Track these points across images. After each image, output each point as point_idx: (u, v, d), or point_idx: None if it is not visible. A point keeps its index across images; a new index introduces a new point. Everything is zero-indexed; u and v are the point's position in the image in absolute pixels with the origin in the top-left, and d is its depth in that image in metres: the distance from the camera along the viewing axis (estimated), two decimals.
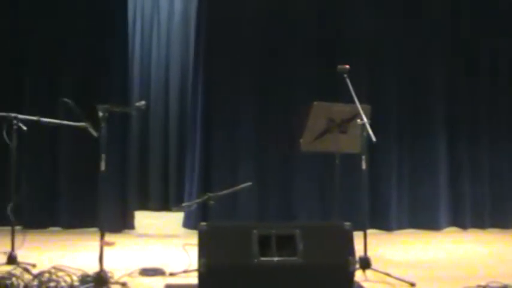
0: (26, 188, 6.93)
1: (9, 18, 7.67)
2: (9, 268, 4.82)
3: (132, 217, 7.68)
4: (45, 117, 5.48)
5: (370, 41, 7.78)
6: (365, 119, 4.95)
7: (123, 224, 7.54)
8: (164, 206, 9.63)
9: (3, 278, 4.33)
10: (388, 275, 4.91)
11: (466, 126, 7.95)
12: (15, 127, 5.19)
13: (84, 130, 5.20)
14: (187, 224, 7.59)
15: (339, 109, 5.39)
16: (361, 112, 4.99)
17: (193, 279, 4.49)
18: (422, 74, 7.87)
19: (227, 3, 7.76)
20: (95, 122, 4.94)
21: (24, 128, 5.26)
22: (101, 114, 4.66)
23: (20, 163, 5.55)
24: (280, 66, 7.71)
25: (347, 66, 5.29)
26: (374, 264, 5.06)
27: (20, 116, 5.25)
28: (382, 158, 7.60)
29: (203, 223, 4.30)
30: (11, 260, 5.10)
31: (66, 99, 4.94)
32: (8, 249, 5.17)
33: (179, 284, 4.82)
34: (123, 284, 4.62)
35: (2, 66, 7.63)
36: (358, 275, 4.80)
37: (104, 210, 5.08)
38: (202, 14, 7.83)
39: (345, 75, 5.26)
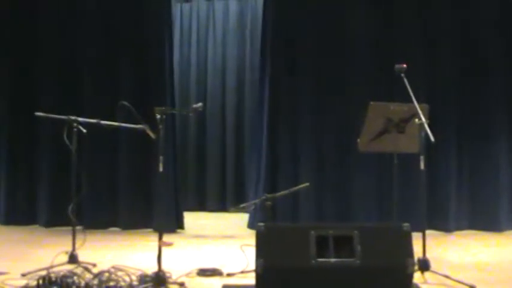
0: (86, 189, 7.07)
1: (69, 26, 7.95)
2: (70, 267, 4.91)
3: (182, 217, 7.73)
4: (104, 119, 5.58)
5: (427, 40, 7.68)
6: (423, 119, 4.87)
7: (176, 224, 7.60)
8: (221, 206, 9.70)
9: (64, 276, 4.41)
10: (447, 277, 4.82)
11: None
12: (75, 130, 5.29)
13: (142, 132, 5.26)
14: (253, 225, 7.60)
15: (396, 109, 5.32)
16: (419, 111, 4.91)
17: (251, 279, 4.50)
18: (482, 73, 7.69)
19: (290, 5, 7.81)
20: (153, 124, 5.01)
21: (84, 130, 5.35)
22: (158, 116, 4.71)
23: (80, 165, 5.65)
24: (338, 66, 7.73)
25: (404, 65, 5.23)
26: (433, 266, 4.98)
27: (80, 119, 5.34)
28: (441, 158, 7.50)
29: (261, 224, 4.30)
30: (72, 259, 5.20)
31: (124, 102, 5.01)
32: (69, 248, 5.27)
33: (236, 284, 4.82)
34: (181, 284, 4.65)
35: (63, 72, 7.85)
36: (417, 277, 4.73)
37: (160, 210, 5.14)
38: (268, 16, 7.89)
39: (402, 75, 5.20)
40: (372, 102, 5.33)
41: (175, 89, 9.68)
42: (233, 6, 10.05)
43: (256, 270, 4.12)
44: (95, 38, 7.90)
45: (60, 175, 7.50)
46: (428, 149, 5.23)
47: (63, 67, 7.90)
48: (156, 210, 7.48)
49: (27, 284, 4.47)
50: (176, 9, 10.08)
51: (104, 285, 4.36)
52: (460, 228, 7.58)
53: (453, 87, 7.66)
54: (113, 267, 4.70)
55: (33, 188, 7.94)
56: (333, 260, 4.12)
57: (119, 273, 4.56)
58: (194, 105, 5.12)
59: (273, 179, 7.64)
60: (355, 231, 4.20)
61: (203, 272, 5.07)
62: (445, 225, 7.52)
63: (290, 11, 7.81)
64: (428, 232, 5.43)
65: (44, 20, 7.99)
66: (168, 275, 4.66)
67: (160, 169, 4.80)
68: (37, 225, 7.87)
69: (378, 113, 5.30)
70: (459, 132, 7.67)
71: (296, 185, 6.29)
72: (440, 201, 7.51)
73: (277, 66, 7.77)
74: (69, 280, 4.37)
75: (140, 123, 5.17)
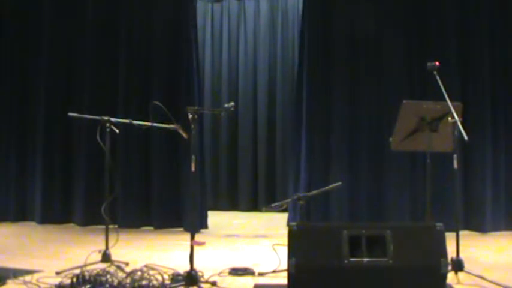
0: (119, 188, 7.13)
1: (106, 28, 8.06)
2: (103, 266, 4.95)
3: (206, 217, 7.76)
4: (136, 119, 5.60)
5: (462, 37, 7.59)
6: (456, 117, 4.82)
7: (200, 223, 7.58)
8: (253, 206, 9.71)
9: (98, 275, 4.44)
10: (482, 278, 4.75)
11: None
12: (108, 130, 5.32)
13: (174, 132, 5.27)
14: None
15: (429, 107, 5.26)
16: (452, 110, 4.86)
17: (283, 279, 4.50)
18: None
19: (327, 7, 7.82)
20: (185, 124, 5.03)
21: (117, 130, 5.38)
22: (190, 115, 4.71)
23: (113, 164, 5.69)
24: (370, 64, 7.70)
25: (437, 64, 5.17)
26: (467, 266, 4.91)
27: (113, 119, 5.37)
28: (476, 157, 7.40)
29: (293, 223, 4.29)
30: (105, 258, 5.25)
31: (157, 102, 5.02)
32: (103, 247, 5.32)
33: (268, 283, 4.82)
34: (213, 283, 4.66)
35: (97, 73, 7.95)
36: (451, 278, 4.68)
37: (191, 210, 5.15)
38: (306, 18, 7.87)
39: (435, 73, 5.14)
40: (404, 101, 5.28)
41: (207, 88, 9.75)
42: (264, 5, 10.05)
43: (288, 270, 4.11)
44: (128, 40, 7.98)
45: (94, 174, 7.59)
46: (463, 148, 5.17)
47: (97, 68, 7.99)
48: (187, 210, 7.53)
49: (61, 282, 4.51)
50: (207, 9, 10.12)
51: (136, 284, 4.39)
52: (496, 229, 7.45)
53: (487, 85, 7.55)
54: (146, 266, 4.74)
55: (68, 188, 8.03)
56: (365, 259, 4.09)
57: (152, 272, 4.59)
58: (226, 105, 5.11)
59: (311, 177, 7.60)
60: (388, 231, 4.16)
61: (235, 272, 5.07)
62: (481, 225, 7.40)
63: (328, 8, 7.80)
64: (463, 233, 5.38)
65: (79, 23, 8.13)
66: (200, 274, 4.67)
67: (193, 169, 4.79)
68: (72, 224, 7.97)
69: (410, 111, 5.25)
70: (494, 131, 7.55)
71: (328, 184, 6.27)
72: (475, 201, 7.42)
73: (314, 72, 7.74)
74: (102, 279, 4.40)
75: (173, 123, 5.19)
